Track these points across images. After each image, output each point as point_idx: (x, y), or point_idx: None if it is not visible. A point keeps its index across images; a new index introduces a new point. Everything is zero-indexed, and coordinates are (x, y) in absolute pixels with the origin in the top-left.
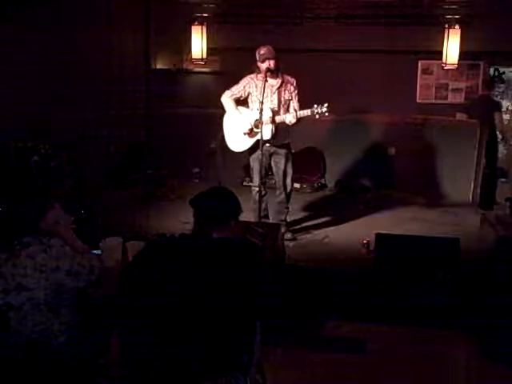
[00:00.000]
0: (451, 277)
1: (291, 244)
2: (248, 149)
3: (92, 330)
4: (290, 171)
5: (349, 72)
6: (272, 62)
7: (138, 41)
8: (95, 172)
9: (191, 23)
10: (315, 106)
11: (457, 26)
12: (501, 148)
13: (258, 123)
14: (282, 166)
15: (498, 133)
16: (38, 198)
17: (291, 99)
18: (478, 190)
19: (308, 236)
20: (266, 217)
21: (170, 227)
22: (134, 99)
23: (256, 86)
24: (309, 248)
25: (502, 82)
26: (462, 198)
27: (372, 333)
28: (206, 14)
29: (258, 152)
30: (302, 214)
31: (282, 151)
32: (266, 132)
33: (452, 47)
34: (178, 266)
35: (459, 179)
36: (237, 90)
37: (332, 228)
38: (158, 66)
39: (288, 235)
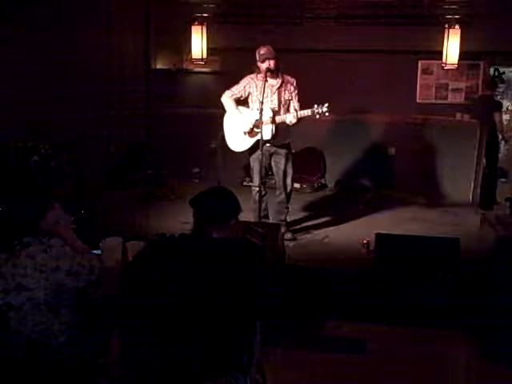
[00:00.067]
0: (451, 277)
1: (291, 244)
2: (248, 149)
3: (92, 330)
4: (290, 171)
5: (349, 72)
6: (272, 62)
7: (138, 41)
8: (95, 172)
9: (191, 23)
10: (316, 106)
11: (457, 26)
12: (501, 148)
13: (259, 123)
14: (282, 166)
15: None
16: (38, 198)
17: (291, 99)
18: (478, 190)
19: (308, 236)
20: (266, 217)
21: (170, 227)
22: (134, 99)
23: (256, 86)
24: (309, 248)
25: (502, 82)
26: (462, 198)
27: (372, 333)
28: (205, 14)
29: (259, 152)
30: (302, 214)
31: (282, 151)
32: (266, 132)
33: (452, 47)
34: (178, 266)
35: (459, 179)
36: (237, 90)
37: (332, 228)
38: (158, 66)
39: (288, 235)
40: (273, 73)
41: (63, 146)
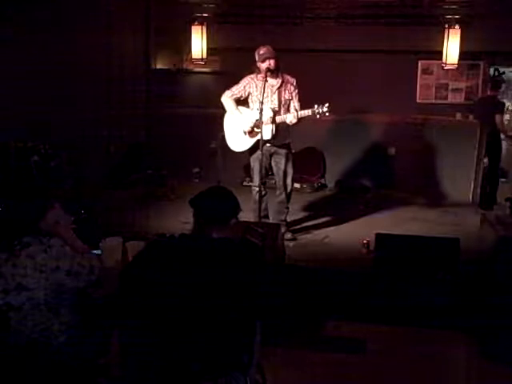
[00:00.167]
0: (451, 277)
1: (291, 244)
2: (248, 149)
3: (92, 330)
4: (290, 171)
5: (349, 72)
6: (272, 62)
7: (138, 41)
8: (95, 172)
9: (191, 23)
10: (316, 105)
11: (457, 26)
12: (503, 148)
13: (259, 123)
14: (282, 166)
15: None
16: (38, 197)
17: (291, 99)
18: (478, 190)
19: (308, 236)
20: (266, 217)
21: (170, 227)
22: (134, 99)
23: (256, 86)
24: (309, 248)
25: (502, 81)
26: (462, 198)
27: (372, 333)
28: (206, 14)
29: (259, 152)
30: (302, 214)
31: (283, 151)
32: (267, 132)
33: (452, 47)
34: (178, 266)
35: (459, 179)
36: (237, 90)
37: (332, 228)
38: (158, 66)
39: (288, 235)
40: (273, 73)
41: (63, 146)
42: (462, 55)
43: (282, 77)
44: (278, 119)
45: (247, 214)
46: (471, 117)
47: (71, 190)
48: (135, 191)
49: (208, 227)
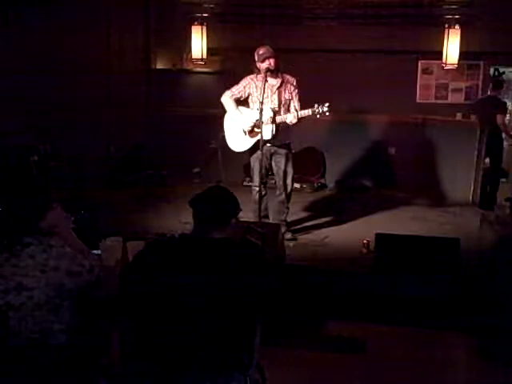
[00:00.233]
0: (451, 277)
1: (291, 244)
2: (249, 149)
3: (92, 330)
4: (290, 171)
5: (349, 72)
6: (272, 61)
7: (138, 41)
8: (95, 172)
9: (191, 23)
10: (316, 105)
11: (457, 26)
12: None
13: (259, 123)
14: (282, 166)
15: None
16: (38, 198)
17: (291, 99)
18: (478, 190)
19: (308, 236)
20: (266, 217)
21: (170, 227)
22: (133, 99)
23: (256, 87)
24: (309, 248)
25: (503, 81)
26: (462, 198)
27: (372, 333)
28: (206, 14)
29: (259, 152)
30: (302, 214)
31: (283, 151)
32: (267, 132)
33: (452, 47)
34: (178, 266)
35: (459, 179)
36: (237, 91)
37: (332, 228)
38: (158, 66)
39: (288, 235)
40: (273, 72)
41: (63, 146)
42: (462, 55)
43: (282, 77)
44: (278, 119)
45: (247, 214)
46: (474, 117)
47: (71, 190)
48: (135, 191)
49: (208, 227)
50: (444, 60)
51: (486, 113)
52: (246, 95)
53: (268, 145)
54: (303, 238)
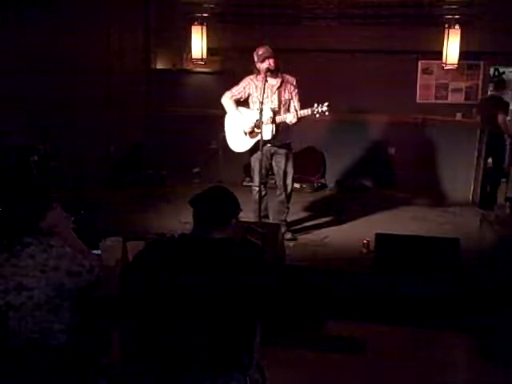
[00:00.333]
0: (451, 277)
1: (291, 244)
2: (249, 149)
3: (92, 330)
4: (290, 171)
5: (349, 72)
6: (272, 61)
7: (138, 41)
8: (95, 172)
9: (191, 23)
10: (315, 105)
11: (457, 26)
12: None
13: (259, 123)
14: (282, 166)
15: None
16: (38, 197)
17: (291, 99)
18: (478, 190)
19: (308, 236)
20: (266, 217)
21: (170, 227)
22: (133, 99)
23: (256, 87)
24: (309, 248)
25: (504, 81)
26: (462, 198)
27: (372, 333)
28: (206, 14)
29: (259, 152)
30: (302, 214)
31: (283, 151)
32: (267, 132)
33: (452, 47)
34: (178, 267)
35: (459, 179)
36: (237, 91)
37: (332, 228)
38: (158, 66)
39: (288, 235)
40: (272, 72)
41: (63, 146)
42: (462, 55)
43: (282, 77)
44: (278, 119)
45: (247, 214)
46: (478, 117)
47: (71, 190)
48: (135, 191)
49: (208, 227)
50: (444, 60)
51: (488, 112)
52: (246, 96)
53: (268, 145)
54: (303, 237)
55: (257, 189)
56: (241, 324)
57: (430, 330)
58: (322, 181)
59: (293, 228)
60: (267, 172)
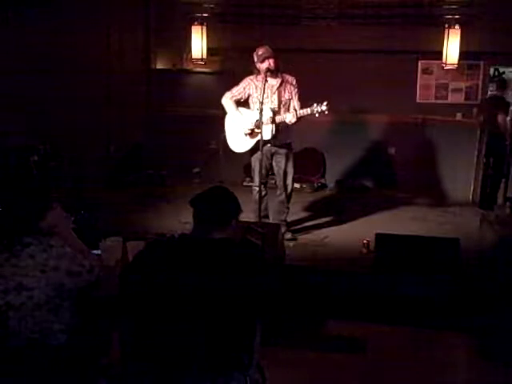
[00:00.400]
0: (451, 277)
1: (291, 244)
2: (249, 149)
3: (92, 330)
4: (290, 171)
5: (349, 72)
6: (272, 61)
7: (138, 41)
8: (95, 172)
9: (191, 23)
10: (315, 104)
11: (457, 26)
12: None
13: (259, 123)
14: (282, 166)
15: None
16: (38, 198)
17: (291, 98)
18: (478, 190)
19: (308, 236)
20: (266, 217)
21: (170, 227)
22: (133, 99)
23: (256, 87)
24: (309, 248)
25: (504, 81)
26: (462, 198)
27: (372, 333)
28: (206, 14)
29: (260, 152)
30: (302, 214)
31: (283, 151)
32: (267, 132)
33: (452, 47)
34: (178, 267)
35: (459, 179)
36: (237, 92)
37: (332, 228)
38: (158, 66)
39: (288, 235)
40: (272, 72)
41: (63, 146)
42: (462, 55)
43: (282, 76)
44: (278, 119)
45: (247, 214)
46: (481, 117)
47: (71, 190)
48: (135, 191)
49: (208, 227)
50: (444, 60)
51: (488, 112)
52: (246, 96)
53: (268, 145)
54: (303, 237)
55: (257, 189)
56: (241, 324)
57: (430, 330)
58: (322, 181)
59: (293, 228)
60: (267, 172)
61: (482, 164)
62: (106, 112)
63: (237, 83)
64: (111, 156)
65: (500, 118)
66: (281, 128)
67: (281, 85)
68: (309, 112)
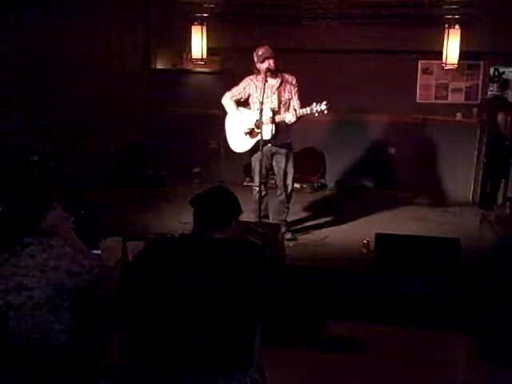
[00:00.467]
0: (451, 277)
1: (291, 244)
2: (249, 149)
3: (92, 330)
4: (290, 171)
5: (349, 72)
6: (271, 61)
7: (138, 41)
8: (95, 172)
9: (191, 23)
10: (314, 104)
11: (457, 26)
12: None
13: (259, 123)
14: (282, 166)
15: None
16: (38, 197)
17: (291, 98)
18: (478, 190)
19: (308, 236)
20: (266, 217)
21: (170, 227)
22: (134, 99)
23: (256, 87)
24: (309, 248)
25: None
26: (462, 198)
27: (372, 333)
28: (206, 14)
29: (260, 152)
30: (302, 214)
31: (283, 151)
32: (267, 132)
33: (452, 47)
34: (178, 267)
35: (459, 179)
36: (237, 92)
37: (332, 228)
38: (158, 66)
39: (288, 235)
40: (272, 72)
41: (63, 146)
42: (462, 55)
43: (282, 76)
44: (277, 119)
45: (247, 214)
46: (484, 116)
47: (71, 190)
48: (135, 191)
49: (208, 227)
50: (444, 60)
51: (489, 112)
52: (246, 96)
53: (269, 145)
54: (303, 237)
55: (257, 189)
56: (241, 324)
57: (430, 330)
58: (322, 181)
59: (293, 228)
60: (267, 172)
61: (482, 164)
62: (106, 112)
63: (237, 83)
64: (111, 156)
65: (500, 117)
66: (281, 128)
67: (281, 85)
68: (308, 112)
